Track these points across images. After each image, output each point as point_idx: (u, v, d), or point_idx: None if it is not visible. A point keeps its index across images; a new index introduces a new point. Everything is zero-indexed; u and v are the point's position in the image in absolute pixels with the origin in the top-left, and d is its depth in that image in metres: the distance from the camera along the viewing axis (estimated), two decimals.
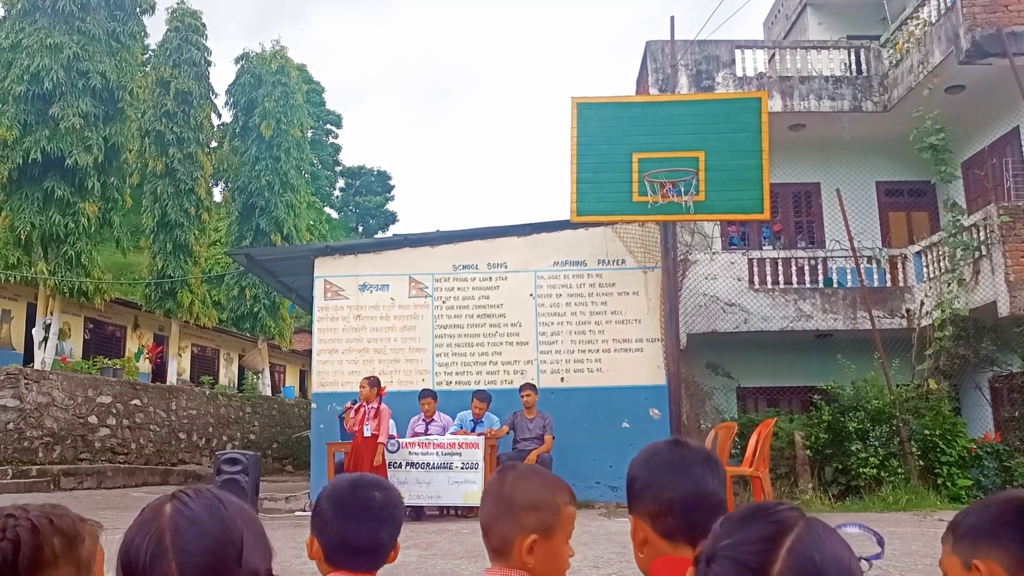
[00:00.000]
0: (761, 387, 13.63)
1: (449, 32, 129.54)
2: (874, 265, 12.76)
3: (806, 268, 12.66)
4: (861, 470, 10.08)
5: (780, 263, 12.61)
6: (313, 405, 11.79)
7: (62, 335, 17.88)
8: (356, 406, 9.25)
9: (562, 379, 11.45)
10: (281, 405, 23.13)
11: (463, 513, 9.23)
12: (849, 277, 12.56)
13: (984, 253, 11.10)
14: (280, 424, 22.32)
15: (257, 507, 10.08)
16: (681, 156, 10.52)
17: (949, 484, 9.99)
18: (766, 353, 12.55)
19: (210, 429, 18.97)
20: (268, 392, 23.39)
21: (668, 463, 1.58)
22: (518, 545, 1.60)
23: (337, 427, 10.75)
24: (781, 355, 12.58)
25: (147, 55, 24.31)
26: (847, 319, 12.19)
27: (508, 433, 10.09)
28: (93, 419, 15.17)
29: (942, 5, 12.31)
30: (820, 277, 12.63)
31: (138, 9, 17.90)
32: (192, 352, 23.93)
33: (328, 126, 43.83)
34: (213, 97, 20.79)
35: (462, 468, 9.10)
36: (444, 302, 11.78)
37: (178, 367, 20.75)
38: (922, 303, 11.90)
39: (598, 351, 11.53)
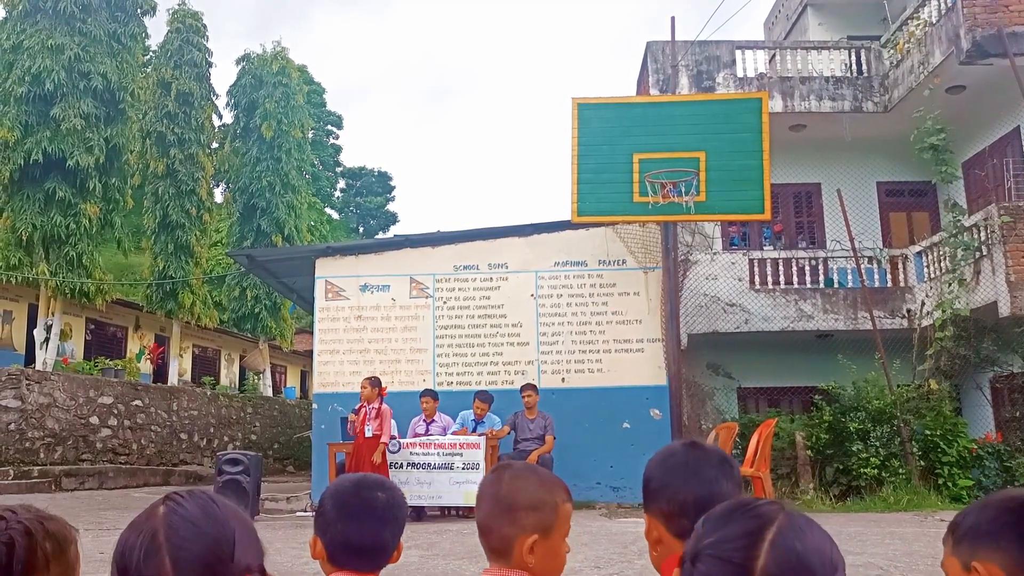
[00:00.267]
0: (762, 387, 13.64)
1: (449, 32, 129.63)
2: (875, 265, 12.77)
3: (807, 268, 12.67)
4: (862, 470, 10.08)
5: (781, 263, 12.62)
6: (314, 406, 11.80)
7: (63, 336, 17.89)
8: (357, 407, 9.27)
9: (563, 379, 11.46)
10: (282, 406, 23.14)
11: (464, 513, 9.24)
12: (850, 277, 12.56)
13: (985, 253, 11.10)
14: (281, 425, 22.33)
15: (258, 508, 10.08)
16: (682, 156, 10.53)
17: (950, 484, 9.99)
18: (767, 353, 12.55)
19: (211, 430, 18.98)
20: (269, 393, 23.40)
21: (683, 464, 1.60)
22: (519, 545, 1.60)
23: (338, 428, 10.76)
24: (782, 355, 12.58)
25: (148, 56, 24.31)
26: (848, 319, 12.20)
27: (509, 434, 10.10)
28: (94, 420, 15.18)
29: (943, 5, 12.31)
30: (821, 277, 12.64)
31: (139, 10, 17.90)
32: (193, 353, 23.94)
33: (329, 127, 43.86)
34: (214, 98, 20.79)
35: (463, 468, 9.11)
36: (445, 302, 11.79)
37: (179, 368, 20.76)
38: (923, 303, 11.90)
39: (599, 351, 11.53)
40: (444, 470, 9.18)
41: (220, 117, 21.77)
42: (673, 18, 12.69)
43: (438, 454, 9.24)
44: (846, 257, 12.46)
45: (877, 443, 10.22)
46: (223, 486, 9.11)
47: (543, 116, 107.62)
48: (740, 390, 13.33)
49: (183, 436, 17.87)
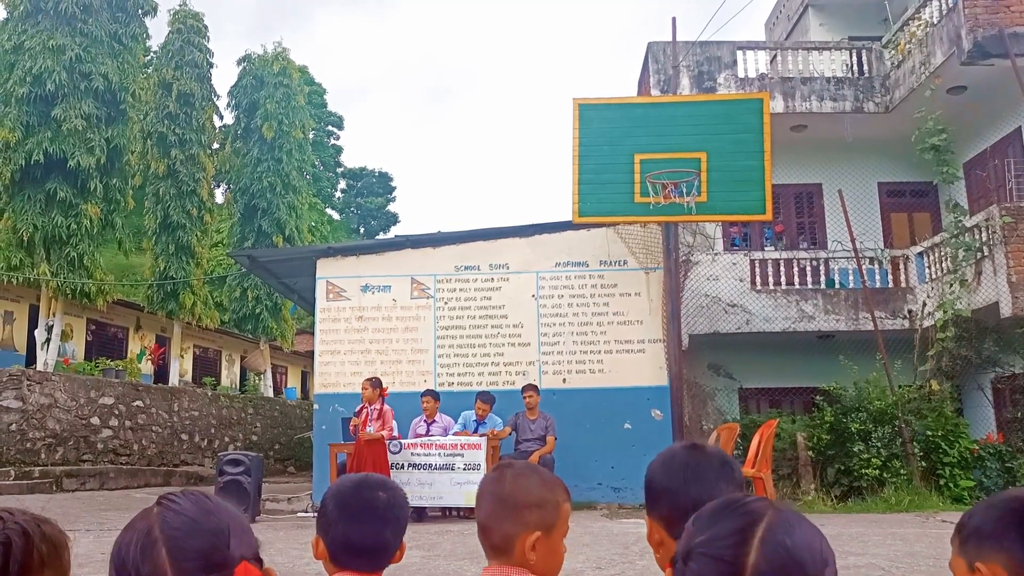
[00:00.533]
0: (763, 388, 13.64)
1: (449, 32, 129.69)
2: (876, 266, 12.77)
3: (808, 269, 12.66)
4: (863, 471, 10.08)
5: (782, 264, 12.62)
6: (315, 406, 11.80)
7: (64, 336, 17.90)
8: (359, 408, 9.28)
9: (564, 380, 11.46)
10: (283, 406, 23.14)
11: (465, 514, 9.23)
12: (851, 278, 12.56)
13: (986, 254, 11.09)
14: (282, 425, 22.34)
15: (259, 508, 10.09)
16: (683, 157, 10.52)
17: (951, 485, 9.99)
18: (768, 354, 12.55)
19: (212, 430, 18.99)
20: (270, 393, 23.41)
21: (684, 468, 1.60)
22: (521, 543, 1.61)
23: (339, 428, 10.76)
24: (783, 356, 12.58)
25: (149, 57, 24.37)
26: (849, 320, 12.19)
27: (510, 434, 10.09)
28: (95, 420, 15.18)
29: (944, 6, 12.31)
30: (822, 278, 12.63)
31: (140, 11, 17.91)
32: (194, 353, 23.96)
33: (329, 127, 43.90)
34: (215, 99, 20.79)
35: (464, 469, 9.10)
36: (446, 303, 11.79)
37: (180, 368, 20.76)
38: (924, 304, 11.90)
39: (600, 352, 11.53)
40: (445, 471, 9.18)
41: (221, 118, 21.83)
42: (674, 19, 12.71)
43: (439, 455, 9.24)
44: (847, 258, 12.46)
45: (878, 444, 10.22)
46: (224, 487, 9.12)
47: (544, 116, 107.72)
48: (741, 391, 13.33)
49: (184, 437, 17.87)
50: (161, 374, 20.66)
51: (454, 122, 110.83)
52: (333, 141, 44.71)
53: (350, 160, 49.18)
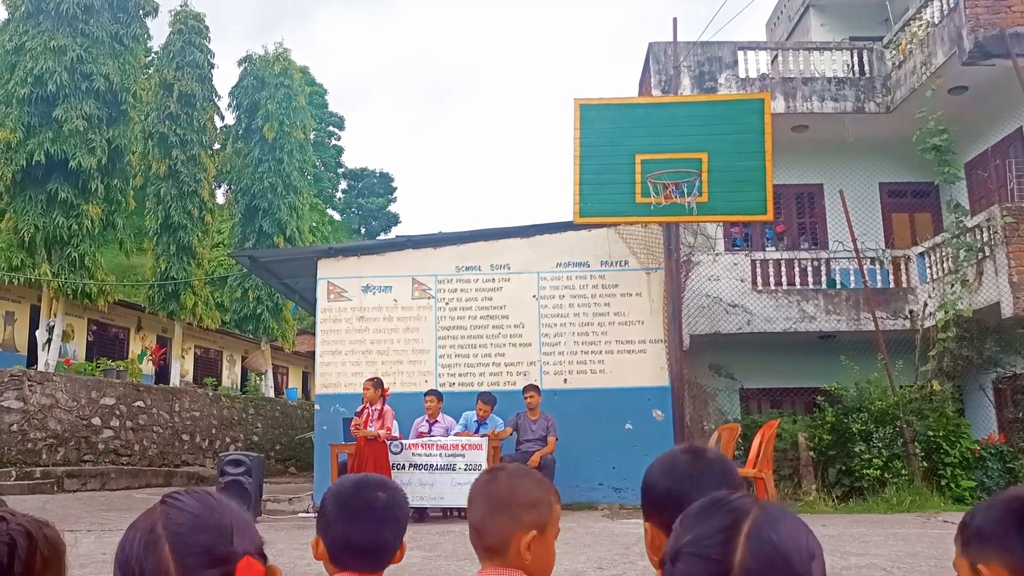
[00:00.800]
0: (764, 388, 13.63)
1: (449, 32, 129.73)
2: (877, 266, 12.76)
3: (809, 269, 12.66)
4: (865, 471, 10.07)
5: (783, 264, 12.61)
6: (316, 407, 11.81)
7: (65, 337, 17.91)
8: (360, 408, 9.28)
9: (565, 380, 11.46)
10: (284, 407, 23.15)
11: (466, 515, 9.21)
12: (852, 278, 12.55)
13: (987, 254, 11.09)
14: (283, 426, 22.34)
15: (260, 509, 10.09)
16: (684, 157, 10.52)
17: (953, 485, 9.98)
18: (769, 354, 12.54)
19: (213, 431, 18.99)
20: (271, 394, 23.42)
21: (683, 475, 1.57)
22: (516, 543, 1.61)
23: (340, 428, 10.76)
24: (784, 356, 12.57)
25: (150, 57, 24.36)
26: (850, 320, 12.19)
27: (511, 435, 10.09)
28: (96, 421, 15.19)
29: (945, 6, 12.31)
30: (823, 278, 12.63)
31: (141, 11, 17.92)
32: (195, 354, 23.97)
33: (330, 128, 43.92)
34: (216, 99, 20.80)
35: (465, 469, 9.10)
36: (447, 303, 11.79)
37: (181, 369, 20.78)
38: (925, 304, 11.90)
39: (601, 352, 11.52)
40: (446, 471, 9.17)
41: (222, 118, 21.85)
42: (675, 19, 12.76)
43: (440, 455, 9.24)
44: (848, 258, 12.46)
45: (880, 444, 10.21)
46: (225, 487, 9.11)
47: (544, 116, 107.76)
48: (742, 391, 13.32)
49: (185, 437, 17.88)
50: (162, 374, 20.66)
51: (454, 122, 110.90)
52: (334, 142, 44.74)
53: (351, 160, 49.20)
